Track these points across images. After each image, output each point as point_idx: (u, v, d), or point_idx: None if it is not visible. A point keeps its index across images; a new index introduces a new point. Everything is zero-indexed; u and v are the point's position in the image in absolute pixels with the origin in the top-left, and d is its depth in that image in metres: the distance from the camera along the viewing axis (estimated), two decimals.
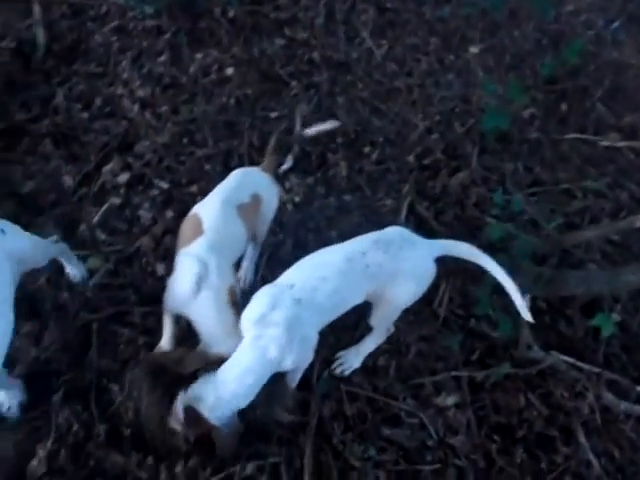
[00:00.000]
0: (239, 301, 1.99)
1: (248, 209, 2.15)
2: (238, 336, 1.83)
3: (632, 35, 4.02)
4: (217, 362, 1.81)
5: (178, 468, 2.00)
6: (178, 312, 2.01)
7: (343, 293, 1.93)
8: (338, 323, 2.03)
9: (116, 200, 2.69)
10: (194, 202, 2.67)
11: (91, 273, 2.44)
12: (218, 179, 2.76)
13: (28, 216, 2.56)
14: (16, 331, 2.21)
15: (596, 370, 2.44)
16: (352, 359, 2.29)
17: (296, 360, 1.85)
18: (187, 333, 2.13)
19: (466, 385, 2.36)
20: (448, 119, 3.37)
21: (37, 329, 2.24)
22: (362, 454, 2.12)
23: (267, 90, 3.29)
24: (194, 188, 2.78)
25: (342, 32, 3.70)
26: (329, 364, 2.29)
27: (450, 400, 2.32)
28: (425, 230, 2.80)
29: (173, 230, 2.59)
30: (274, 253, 2.59)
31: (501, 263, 2.60)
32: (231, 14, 3.56)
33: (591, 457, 2.26)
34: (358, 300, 2.00)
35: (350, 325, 2.36)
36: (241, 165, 2.89)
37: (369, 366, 2.33)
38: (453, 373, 2.38)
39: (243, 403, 1.80)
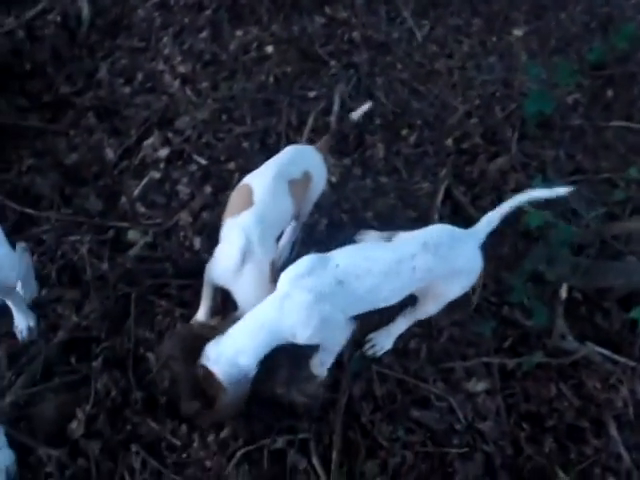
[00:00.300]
0: (277, 275, 2.01)
1: (298, 186, 2.14)
2: None
3: None
4: None
5: (210, 437, 2.05)
6: (220, 283, 2.04)
7: (383, 292, 1.92)
8: None
9: (156, 174, 2.73)
10: (231, 179, 2.75)
11: (130, 245, 2.49)
12: (256, 157, 2.81)
13: (72, 187, 2.63)
14: (59, 298, 2.32)
15: (632, 364, 2.40)
16: (383, 341, 2.30)
17: (311, 337, 1.84)
18: (223, 307, 2.19)
19: (497, 372, 2.35)
20: (488, 103, 3.31)
21: (78, 297, 2.31)
22: (390, 434, 2.14)
23: (306, 69, 3.27)
24: (232, 165, 2.80)
25: (383, 11, 3.65)
26: (360, 345, 2.30)
27: (480, 386, 2.31)
28: (461, 215, 2.79)
29: (211, 205, 2.64)
30: (309, 233, 2.61)
31: (538, 252, 2.59)
32: None
33: (622, 450, 2.23)
34: (395, 301, 1.99)
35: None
36: (278, 144, 2.91)
37: (400, 348, 2.34)
38: (484, 359, 2.37)
39: (247, 361, 1.81)
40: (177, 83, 3.09)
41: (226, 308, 2.07)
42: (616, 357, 2.41)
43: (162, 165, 2.77)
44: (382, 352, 2.29)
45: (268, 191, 2.05)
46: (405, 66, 3.40)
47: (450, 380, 2.31)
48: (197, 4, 3.44)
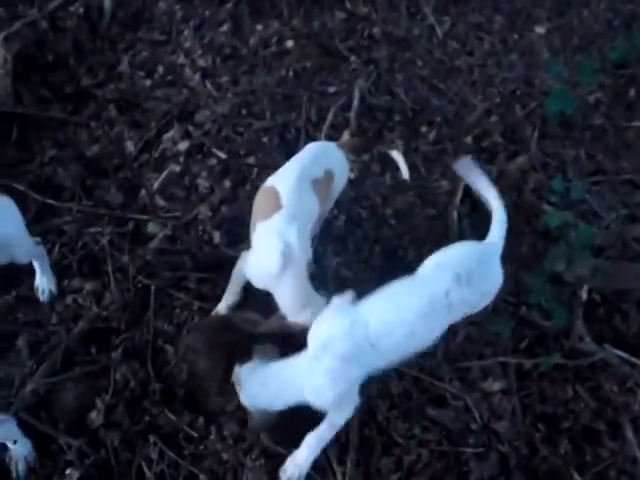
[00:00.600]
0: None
1: (321, 184, 2.14)
2: (314, 306, 1.92)
3: None
4: (295, 329, 1.88)
5: (227, 430, 2.07)
6: (260, 287, 2.05)
7: (416, 339, 1.85)
8: None
9: (175, 167, 2.75)
10: (251, 173, 2.76)
11: (150, 238, 2.51)
12: (275, 152, 2.82)
13: (93, 179, 2.66)
14: (79, 289, 2.35)
15: None
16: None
17: (331, 401, 1.81)
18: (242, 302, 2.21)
19: (513, 372, 2.34)
20: (508, 101, 3.29)
21: (99, 288, 2.34)
22: (406, 432, 2.15)
23: (326, 64, 3.27)
24: (251, 159, 2.81)
25: (404, 7, 3.63)
26: None
27: (496, 385, 2.31)
28: (479, 214, 2.77)
29: (230, 200, 2.65)
30: (327, 229, 2.61)
31: (558, 252, 2.57)
32: None
33: (638, 454, 2.21)
34: (429, 343, 1.92)
35: None
36: (297, 139, 2.91)
37: None
38: (501, 359, 2.36)
39: (274, 406, 1.84)
40: (197, 77, 3.09)
41: (247, 304, 2.08)
42: (634, 360, 2.39)
43: (182, 158, 2.78)
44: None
45: (295, 192, 2.04)
46: (425, 63, 3.38)
47: (466, 379, 2.31)
48: None
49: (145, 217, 2.56)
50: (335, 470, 2.03)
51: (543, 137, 3.13)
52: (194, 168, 2.76)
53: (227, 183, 2.70)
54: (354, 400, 1.89)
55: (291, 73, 3.19)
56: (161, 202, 2.64)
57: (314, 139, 2.86)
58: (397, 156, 2.52)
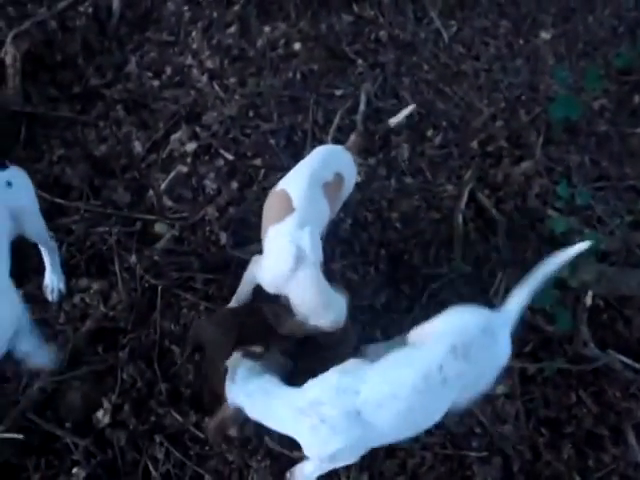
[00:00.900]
0: None
1: (331, 188, 2.14)
2: (336, 305, 1.94)
3: None
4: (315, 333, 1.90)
5: (233, 432, 2.08)
6: (271, 291, 2.04)
7: (417, 414, 1.70)
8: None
9: (183, 168, 2.76)
10: (257, 175, 2.78)
11: (157, 238, 2.52)
12: (281, 154, 2.83)
13: (100, 178, 2.66)
14: (87, 288, 2.36)
15: None
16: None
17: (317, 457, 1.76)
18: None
19: (517, 376, 2.36)
20: (513, 106, 3.31)
21: (106, 288, 2.35)
22: None
23: (333, 67, 3.28)
24: (258, 161, 2.82)
25: (410, 11, 3.64)
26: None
27: (500, 390, 2.32)
28: (484, 219, 2.79)
29: (237, 201, 2.66)
30: (333, 231, 2.62)
31: None
32: None
33: None
34: (433, 422, 1.77)
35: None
36: (304, 141, 2.93)
37: None
38: None
39: (252, 417, 1.78)
40: (205, 78, 3.10)
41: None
42: (637, 366, 2.42)
43: (189, 159, 2.79)
44: None
45: (305, 196, 2.04)
46: (431, 67, 3.40)
47: None
48: None
49: (152, 217, 2.56)
50: (339, 473, 2.04)
51: (548, 143, 3.15)
52: (201, 169, 2.77)
53: (234, 184, 2.71)
54: (352, 459, 1.81)
55: (298, 75, 3.20)
56: (168, 203, 2.65)
57: (320, 142, 2.87)
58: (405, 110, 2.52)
